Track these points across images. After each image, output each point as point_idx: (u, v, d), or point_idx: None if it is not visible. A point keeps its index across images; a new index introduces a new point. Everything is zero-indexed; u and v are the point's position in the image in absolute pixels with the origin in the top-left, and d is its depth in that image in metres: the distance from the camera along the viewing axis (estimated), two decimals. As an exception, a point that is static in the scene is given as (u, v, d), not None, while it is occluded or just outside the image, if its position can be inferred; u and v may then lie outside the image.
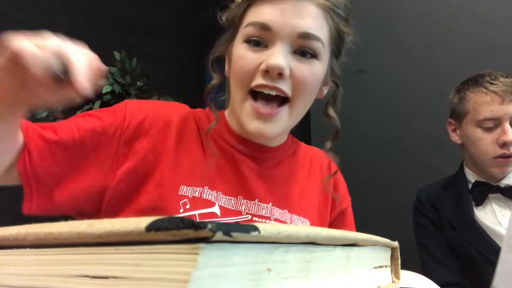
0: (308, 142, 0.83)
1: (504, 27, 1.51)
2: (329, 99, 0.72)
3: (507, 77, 1.08)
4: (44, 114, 1.97)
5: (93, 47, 0.45)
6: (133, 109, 0.65)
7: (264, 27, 0.60)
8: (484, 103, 1.07)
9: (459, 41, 1.58)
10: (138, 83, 2.29)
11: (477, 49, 1.53)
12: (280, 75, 0.59)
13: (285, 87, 0.61)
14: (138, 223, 0.21)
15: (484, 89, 1.07)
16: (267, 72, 0.59)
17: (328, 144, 0.73)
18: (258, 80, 0.60)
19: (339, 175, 0.80)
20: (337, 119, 0.71)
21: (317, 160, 0.79)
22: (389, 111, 1.69)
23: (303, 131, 0.83)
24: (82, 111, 0.69)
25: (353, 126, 1.68)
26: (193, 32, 2.72)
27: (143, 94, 2.27)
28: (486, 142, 1.07)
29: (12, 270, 0.27)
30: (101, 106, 1.99)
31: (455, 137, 1.18)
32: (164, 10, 2.72)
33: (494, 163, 1.07)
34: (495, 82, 1.07)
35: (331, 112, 0.72)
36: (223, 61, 0.71)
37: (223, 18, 0.68)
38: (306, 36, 0.60)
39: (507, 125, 1.04)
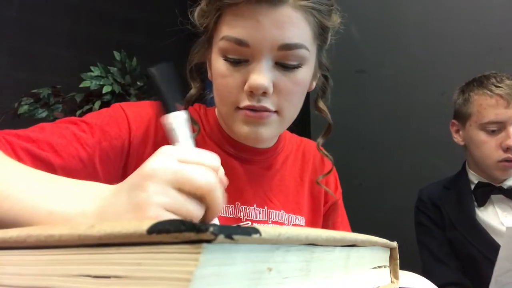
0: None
1: (504, 27, 1.51)
2: (318, 92, 0.71)
3: None
4: (44, 114, 1.96)
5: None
6: (135, 116, 0.64)
7: (241, 43, 0.57)
8: (489, 106, 1.06)
9: (459, 41, 1.58)
10: (138, 83, 2.29)
11: (477, 49, 1.53)
12: (264, 93, 0.58)
13: (271, 104, 0.59)
14: (139, 225, 0.21)
15: (489, 92, 1.06)
16: (251, 92, 0.58)
17: (320, 140, 0.72)
18: (245, 102, 0.59)
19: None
20: (328, 113, 0.70)
21: (310, 153, 0.78)
22: (389, 111, 1.69)
23: (303, 130, 0.83)
24: (82, 112, 0.68)
25: (353, 126, 1.69)
26: (193, 32, 2.72)
27: (143, 94, 2.26)
28: (489, 145, 1.07)
29: (12, 269, 0.27)
30: (101, 106, 1.98)
31: (458, 138, 1.18)
32: (164, 10, 2.73)
33: (498, 166, 1.07)
34: (500, 85, 1.05)
35: (321, 105, 0.71)
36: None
37: (195, 17, 0.64)
38: (287, 47, 0.57)
39: (511, 129, 1.04)
